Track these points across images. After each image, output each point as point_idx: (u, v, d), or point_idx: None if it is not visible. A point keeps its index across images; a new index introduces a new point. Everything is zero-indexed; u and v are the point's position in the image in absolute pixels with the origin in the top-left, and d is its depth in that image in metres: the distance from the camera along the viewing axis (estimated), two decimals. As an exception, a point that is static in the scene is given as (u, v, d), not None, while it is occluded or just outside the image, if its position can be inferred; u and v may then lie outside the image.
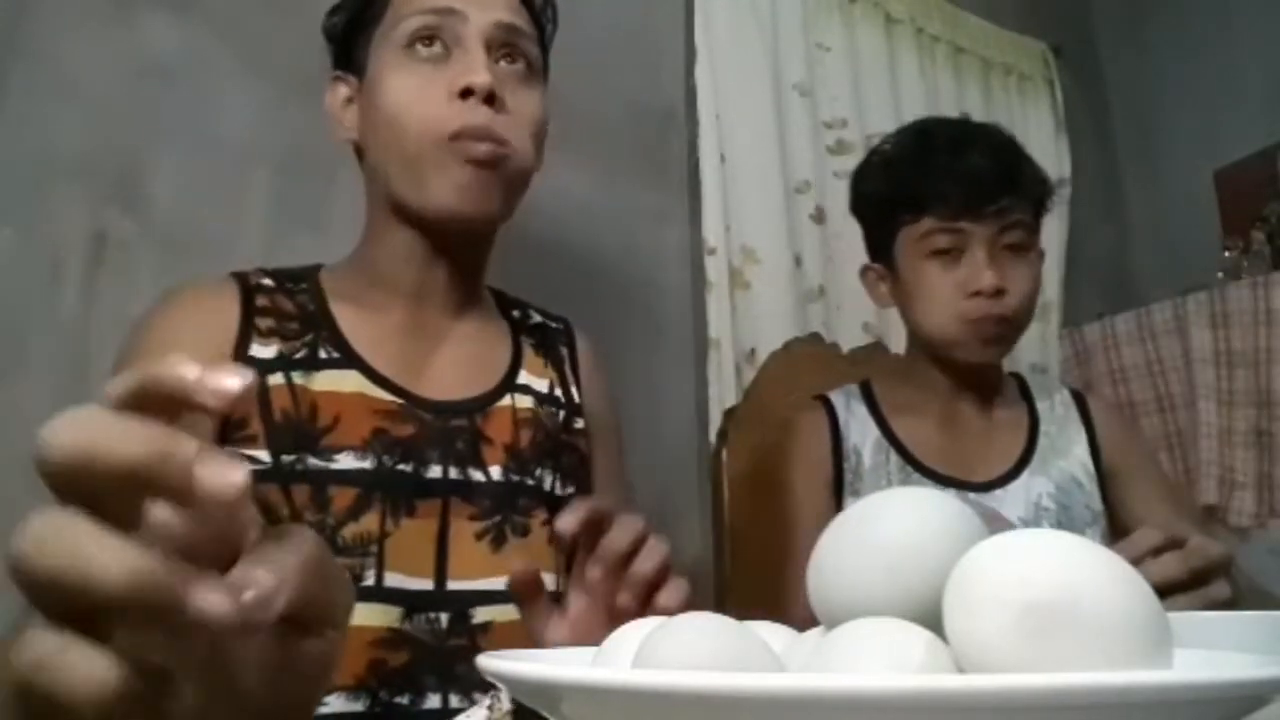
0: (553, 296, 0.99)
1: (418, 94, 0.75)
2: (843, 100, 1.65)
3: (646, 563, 0.58)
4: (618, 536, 0.58)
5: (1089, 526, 1.00)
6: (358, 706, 0.68)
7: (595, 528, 0.59)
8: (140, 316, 0.77)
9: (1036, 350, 1.84)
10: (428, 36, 0.76)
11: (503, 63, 0.78)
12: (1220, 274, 1.74)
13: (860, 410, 1.08)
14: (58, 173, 1.04)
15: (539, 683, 0.28)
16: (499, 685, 0.37)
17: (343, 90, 0.83)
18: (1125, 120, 2.21)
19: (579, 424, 0.87)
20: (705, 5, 1.54)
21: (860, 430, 1.06)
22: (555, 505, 0.80)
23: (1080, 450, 1.04)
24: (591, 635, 0.58)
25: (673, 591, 0.59)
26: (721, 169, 1.49)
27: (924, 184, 0.98)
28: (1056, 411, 1.07)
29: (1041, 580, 0.27)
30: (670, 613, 0.57)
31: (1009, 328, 0.99)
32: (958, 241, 0.97)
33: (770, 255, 1.50)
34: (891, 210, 1.02)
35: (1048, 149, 1.96)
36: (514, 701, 0.44)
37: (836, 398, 1.10)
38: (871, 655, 0.28)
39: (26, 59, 1.04)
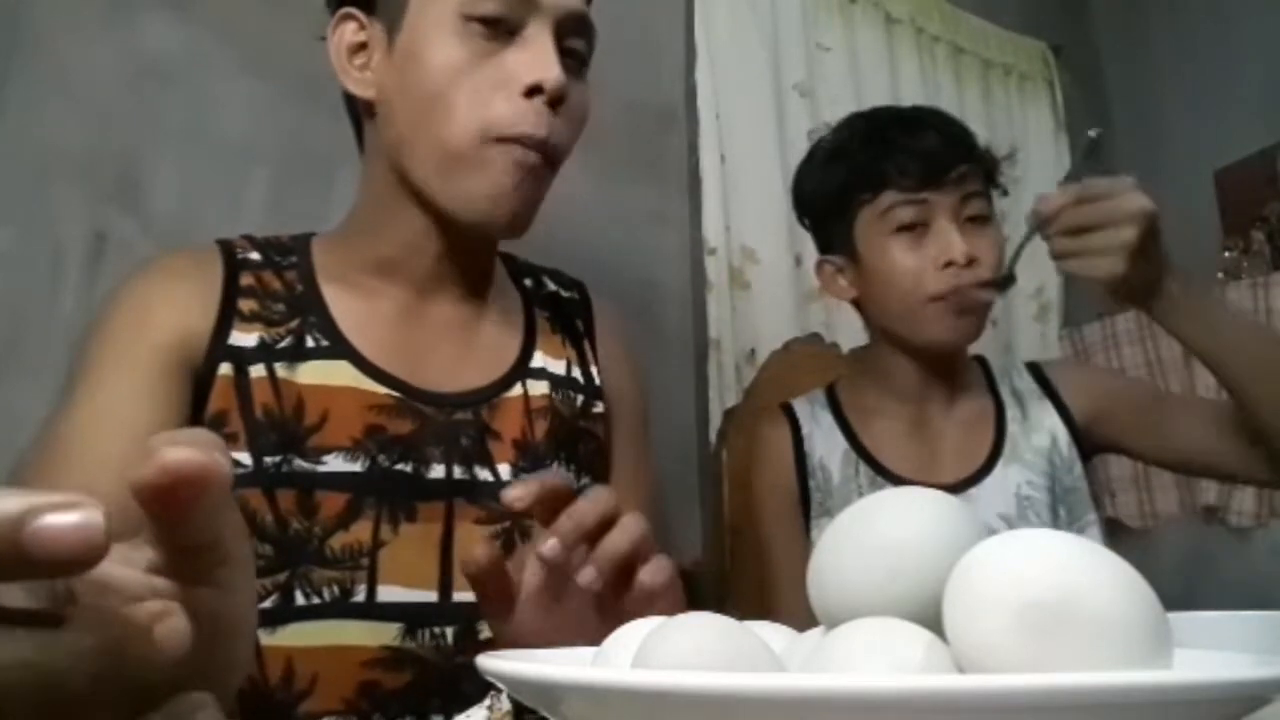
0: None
1: (472, 76, 0.65)
2: (843, 100, 1.65)
3: (620, 539, 0.51)
4: (584, 509, 0.51)
5: (1071, 493, 0.98)
6: None
7: (553, 502, 0.52)
8: (115, 288, 0.68)
9: (1037, 350, 1.84)
10: (493, 20, 0.65)
11: (563, 54, 0.68)
12: (1220, 274, 1.74)
13: (826, 419, 1.04)
14: (58, 173, 1.04)
15: (539, 683, 0.28)
16: (499, 685, 0.37)
17: (352, 32, 0.70)
18: (1125, 120, 2.21)
19: (598, 408, 0.79)
20: (705, 5, 1.54)
21: (826, 442, 1.03)
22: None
23: (1051, 420, 1.00)
24: (548, 618, 0.53)
25: (655, 569, 0.52)
26: (721, 169, 1.49)
27: (882, 158, 0.95)
28: (1019, 390, 1.03)
29: (1041, 580, 0.27)
30: (655, 590, 0.52)
31: (982, 300, 0.95)
32: (921, 214, 0.94)
33: (770, 255, 1.50)
34: (847, 194, 0.98)
35: (1048, 149, 1.96)
36: (514, 701, 0.44)
37: (801, 408, 1.06)
38: (871, 655, 0.28)
39: (26, 59, 1.04)
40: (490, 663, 0.31)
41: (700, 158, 1.49)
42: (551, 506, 0.52)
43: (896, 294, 0.96)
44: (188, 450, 0.23)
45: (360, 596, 0.64)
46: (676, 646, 0.30)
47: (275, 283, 0.70)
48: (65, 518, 0.20)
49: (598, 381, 0.80)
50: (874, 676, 0.27)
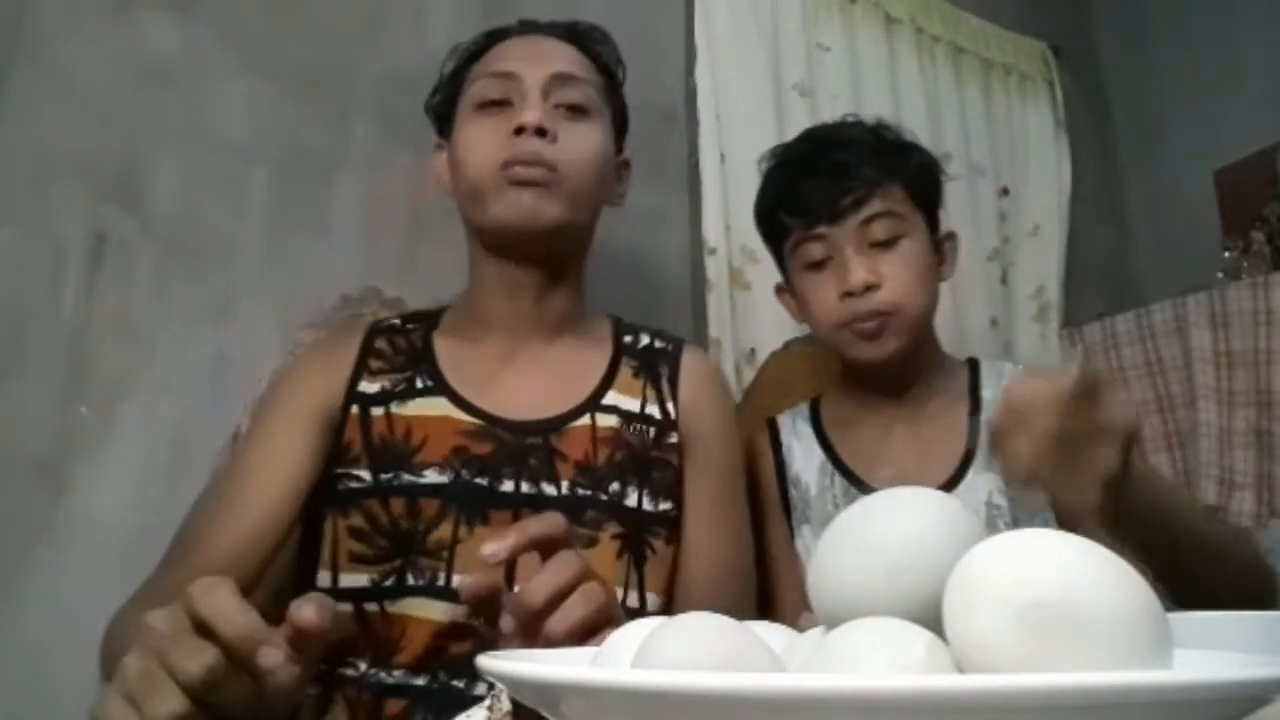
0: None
1: (483, 138, 0.88)
2: (843, 100, 1.65)
3: (559, 625, 0.56)
4: (534, 590, 0.57)
5: (1043, 509, 0.94)
6: (418, 681, 0.78)
7: (543, 545, 0.59)
8: (280, 366, 0.93)
9: (1037, 350, 1.84)
10: (493, 101, 0.89)
11: (560, 106, 0.89)
12: (1220, 274, 1.74)
13: (806, 431, 1.07)
14: (58, 173, 1.04)
15: (539, 683, 0.28)
16: (499, 685, 0.37)
17: (444, 155, 0.96)
18: (1125, 120, 2.21)
19: (672, 439, 0.91)
20: (705, 5, 1.54)
21: (804, 455, 1.05)
22: (638, 520, 0.86)
23: None
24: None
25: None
26: (721, 169, 1.49)
27: (782, 198, 1.00)
28: (1000, 395, 0.99)
29: (1041, 580, 0.27)
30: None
31: (890, 320, 0.95)
32: (826, 249, 0.97)
33: (770, 255, 1.50)
34: (771, 230, 1.04)
35: (1048, 149, 1.96)
36: (514, 701, 0.44)
37: (784, 421, 1.09)
38: (871, 655, 0.28)
39: (26, 59, 1.04)
40: (490, 663, 0.31)
41: (700, 158, 1.49)
42: (544, 547, 0.59)
43: (815, 324, 1.02)
44: (310, 614, 0.49)
45: (441, 581, 0.80)
46: (676, 646, 0.30)
47: (402, 342, 0.92)
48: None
49: (674, 416, 0.92)
50: (874, 676, 0.27)
